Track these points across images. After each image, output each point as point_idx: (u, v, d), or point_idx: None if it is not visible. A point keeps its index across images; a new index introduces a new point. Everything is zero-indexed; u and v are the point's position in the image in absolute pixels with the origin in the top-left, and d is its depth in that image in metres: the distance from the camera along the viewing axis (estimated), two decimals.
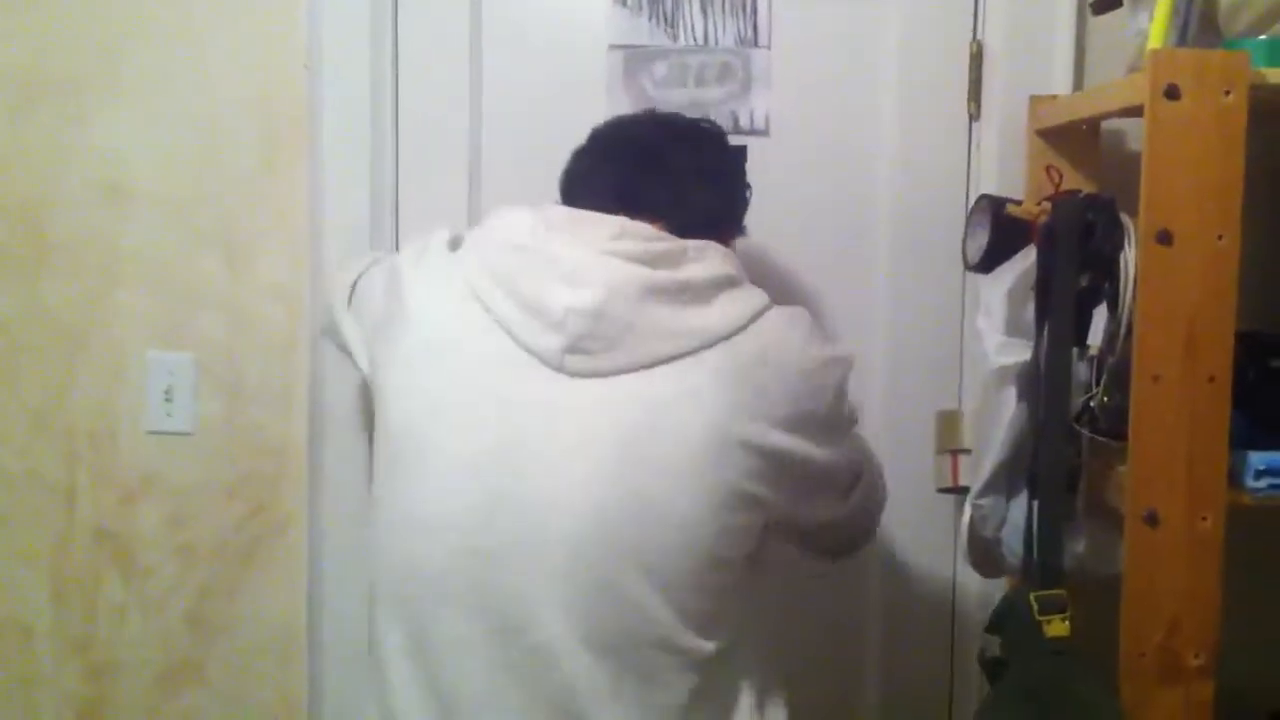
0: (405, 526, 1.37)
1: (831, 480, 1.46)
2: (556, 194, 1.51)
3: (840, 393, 1.43)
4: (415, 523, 1.35)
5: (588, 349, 1.29)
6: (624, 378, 1.30)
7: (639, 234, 1.35)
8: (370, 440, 1.89)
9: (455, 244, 1.47)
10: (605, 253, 1.32)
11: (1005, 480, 1.64)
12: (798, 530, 1.49)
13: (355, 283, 1.63)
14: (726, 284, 1.36)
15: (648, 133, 1.51)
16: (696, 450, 1.29)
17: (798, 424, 1.35)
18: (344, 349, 1.62)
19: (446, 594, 1.33)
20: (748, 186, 1.56)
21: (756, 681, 1.43)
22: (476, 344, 1.34)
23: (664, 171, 1.44)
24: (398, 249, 1.96)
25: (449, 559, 1.33)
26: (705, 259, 1.36)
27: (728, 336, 1.32)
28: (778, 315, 1.39)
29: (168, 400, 2.01)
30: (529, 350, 1.31)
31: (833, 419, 1.42)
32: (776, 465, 1.34)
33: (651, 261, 1.32)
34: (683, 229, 1.40)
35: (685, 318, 1.31)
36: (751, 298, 1.38)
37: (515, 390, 1.32)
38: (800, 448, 1.36)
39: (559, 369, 1.30)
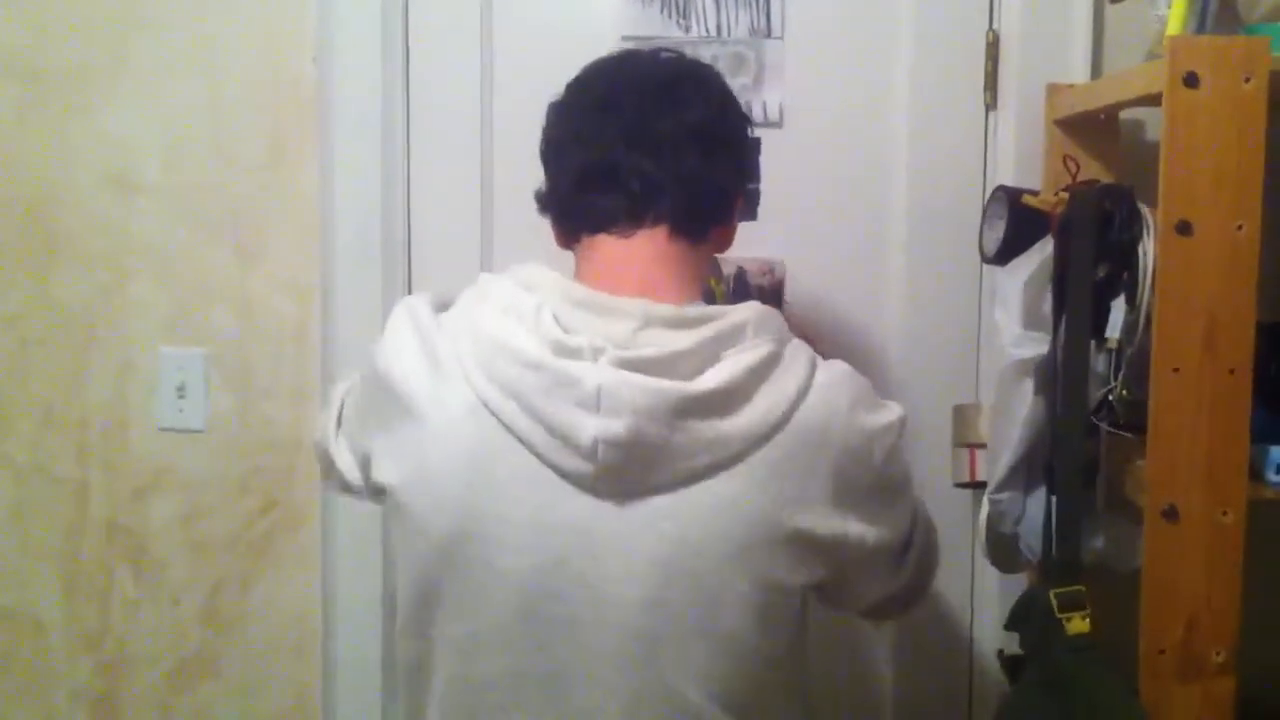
0: (454, 647, 1.31)
1: (884, 557, 1.39)
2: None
3: (890, 458, 1.34)
4: (465, 645, 1.30)
5: (622, 476, 1.22)
6: (662, 496, 1.23)
7: (664, 320, 1.25)
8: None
9: (440, 306, 1.36)
10: (629, 365, 1.21)
11: (1023, 475, 1.63)
12: (847, 608, 1.45)
13: (341, 408, 1.52)
14: (768, 368, 1.26)
15: (626, 93, 1.37)
16: (739, 557, 1.24)
17: (844, 499, 1.29)
18: (341, 481, 1.49)
19: (502, 705, 1.29)
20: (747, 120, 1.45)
21: None
22: (503, 461, 1.24)
23: (651, 144, 1.32)
24: (409, 241, 1.98)
25: (502, 678, 1.28)
26: (740, 343, 1.26)
27: (770, 435, 1.24)
28: (822, 386, 1.29)
29: (181, 396, 2.01)
30: (557, 471, 1.23)
31: (881, 486, 1.34)
32: (824, 549, 1.29)
33: (680, 367, 1.23)
34: (686, 221, 1.33)
35: (723, 426, 1.23)
36: (794, 374, 1.28)
37: (550, 511, 1.24)
38: (848, 528, 1.29)
39: (592, 493, 1.23)
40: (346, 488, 1.50)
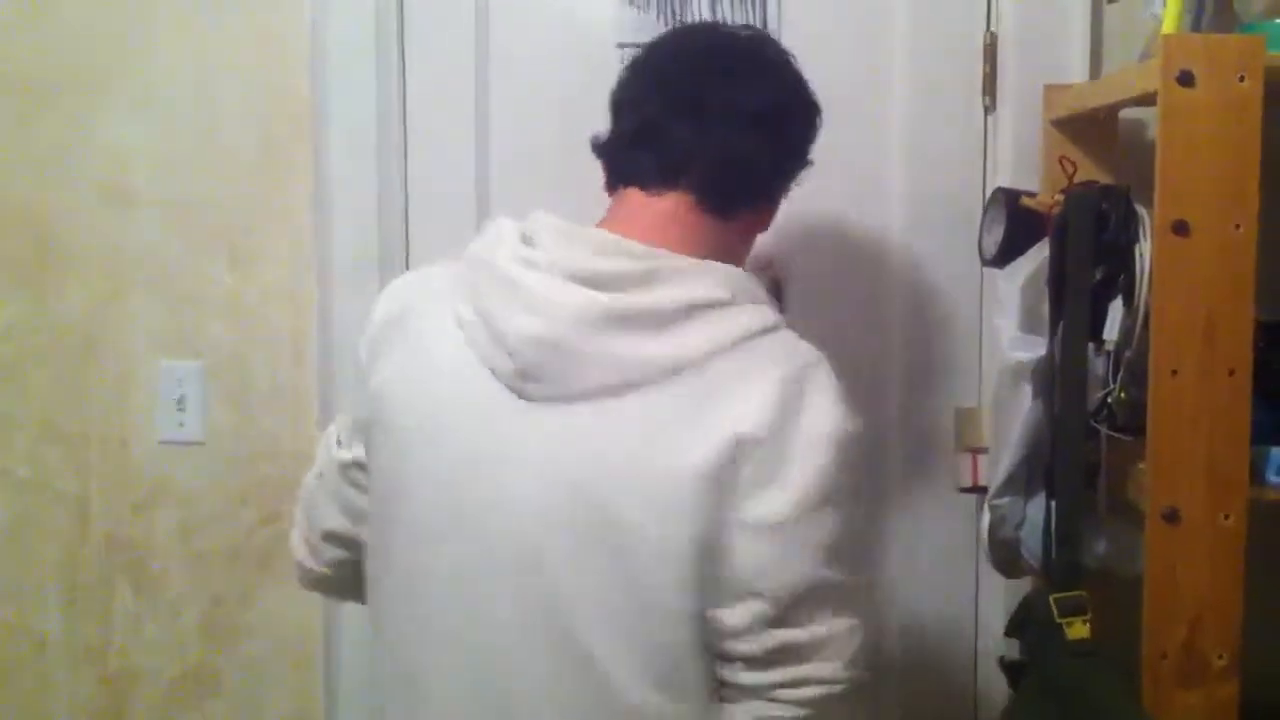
0: (398, 552, 1.34)
1: (781, 538, 1.24)
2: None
3: (829, 458, 1.24)
4: (404, 545, 1.33)
5: (538, 376, 1.24)
6: (580, 406, 1.24)
7: (622, 251, 1.27)
8: None
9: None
10: (572, 277, 1.24)
11: (1023, 479, 1.62)
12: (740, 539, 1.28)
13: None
14: (710, 307, 1.25)
15: (688, 66, 1.40)
16: (637, 480, 1.22)
17: (742, 455, 1.23)
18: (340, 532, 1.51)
19: (419, 596, 1.32)
20: (808, 126, 1.43)
21: None
22: (456, 361, 1.29)
23: (693, 112, 1.34)
24: (407, 250, 1.98)
25: (423, 574, 1.31)
26: (688, 281, 1.25)
27: (699, 363, 1.23)
28: (772, 342, 1.27)
29: (180, 409, 2.00)
30: (491, 370, 1.27)
31: (792, 462, 1.24)
32: (715, 492, 1.22)
33: (622, 284, 1.24)
34: (712, 194, 1.33)
35: (647, 346, 1.23)
36: (742, 320, 1.27)
37: (477, 410, 1.28)
38: (739, 475, 1.22)
39: (515, 393, 1.26)
40: (342, 539, 1.50)
